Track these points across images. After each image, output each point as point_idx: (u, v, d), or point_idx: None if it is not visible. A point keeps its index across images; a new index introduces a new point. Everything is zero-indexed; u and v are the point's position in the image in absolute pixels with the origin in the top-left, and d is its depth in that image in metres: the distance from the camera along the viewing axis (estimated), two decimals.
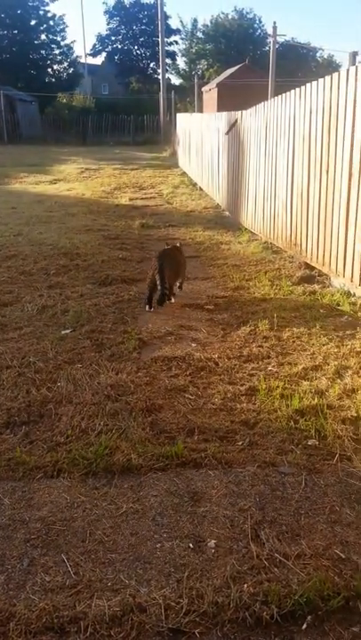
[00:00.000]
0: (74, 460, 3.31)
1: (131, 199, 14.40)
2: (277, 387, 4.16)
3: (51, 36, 55.79)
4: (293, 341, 5.10)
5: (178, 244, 6.82)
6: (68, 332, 5.34)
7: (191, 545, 2.69)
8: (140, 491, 3.09)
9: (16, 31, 52.32)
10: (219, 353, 4.85)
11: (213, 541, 2.71)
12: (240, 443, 3.51)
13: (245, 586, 2.45)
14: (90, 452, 3.38)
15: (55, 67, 57.38)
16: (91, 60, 70.79)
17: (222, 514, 2.90)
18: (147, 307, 5.99)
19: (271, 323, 5.48)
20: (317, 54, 72.72)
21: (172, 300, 6.20)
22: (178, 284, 6.52)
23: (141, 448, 3.42)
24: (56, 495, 3.06)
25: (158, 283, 5.97)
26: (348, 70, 6.03)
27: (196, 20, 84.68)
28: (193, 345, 5.07)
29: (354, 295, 6.12)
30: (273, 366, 4.58)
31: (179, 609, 2.35)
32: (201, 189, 15.89)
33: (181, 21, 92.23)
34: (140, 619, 2.30)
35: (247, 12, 72.65)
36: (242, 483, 3.14)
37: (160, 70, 42.41)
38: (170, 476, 3.20)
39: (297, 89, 7.49)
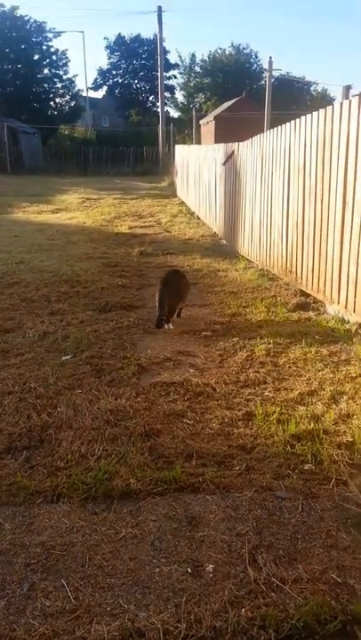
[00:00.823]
0: (73, 485, 3.29)
1: (130, 227, 14.49)
2: (274, 412, 4.16)
3: (53, 71, 56.47)
4: (289, 367, 5.11)
5: (185, 275, 6.98)
6: (68, 357, 5.34)
7: (189, 569, 2.67)
8: (139, 515, 3.07)
9: (20, 65, 53.00)
10: (216, 378, 4.85)
11: (211, 566, 2.69)
12: (237, 467, 3.50)
13: (243, 610, 2.43)
14: (89, 476, 3.36)
15: (57, 100, 58.05)
16: (92, 94, 71.61)
17: (220, 538, 2.88)
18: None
19: (268, 349, 5.49)
20: (312, 88, 73.70)
21: (171, 327, 6.21)
22: (177, 311, 6.53)
23: (140, 473, 3.40)
24: (56, 520, 3.05)
25: (157, 307, 6.07)
26: (341, 104, 6.13)
27: (194, 55, 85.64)
28: (191, 370, 5.07)
29: (348, 322, 6.13)
30: (270, 391, 4.58)
31: (177, 634, 2.32)
32: (199, 218, 15.99)
33: (180, 56, 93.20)
34: None
35: (244, 48, 73.79)
36: (239, 507, 3.13)
37: (159, 103, 43.01)
38: (168, 501, 3.19)
39: (292, 122, 7.58)
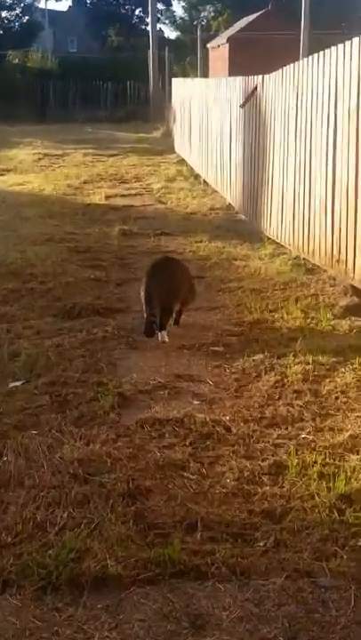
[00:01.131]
0: (26, 569, 3.26)
1: (107, 197, 14.51)
2: (315, 462, 4.15)
3: None
4: (337, 397, 5.10)
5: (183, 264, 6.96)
6: (18, 384, 5.34)
7: None
8: (120, 613, 3.05)
9: None
10: (231, 414, 4.84)
11: None
12: (262, 543, 3.48)
13: None
14: (48, 556, 3.34)
15: (4, 14, 58.20)
16: (53, 5, 72.17)
17: None
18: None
19: (305, 371, 5.48)
20: None
21: (166, 339, 6.20)
22: (174, 316, 6.50)
23: (122, 551, 3.38)
24: (0, 619, 3.02)
25: (144, 307, 6.12)
26: None
27: None
28: (195, 402, 5.07)
29: None
30: (308, 433, 4.58)
31: None
32: (206, 183, 16.01)
33: None
34: None
35: None
36: (264, 601, 3.11)
37: (149, 19, 43.10)
38: (162, 592, 3.16)
39: (340, 45, 7.58)
